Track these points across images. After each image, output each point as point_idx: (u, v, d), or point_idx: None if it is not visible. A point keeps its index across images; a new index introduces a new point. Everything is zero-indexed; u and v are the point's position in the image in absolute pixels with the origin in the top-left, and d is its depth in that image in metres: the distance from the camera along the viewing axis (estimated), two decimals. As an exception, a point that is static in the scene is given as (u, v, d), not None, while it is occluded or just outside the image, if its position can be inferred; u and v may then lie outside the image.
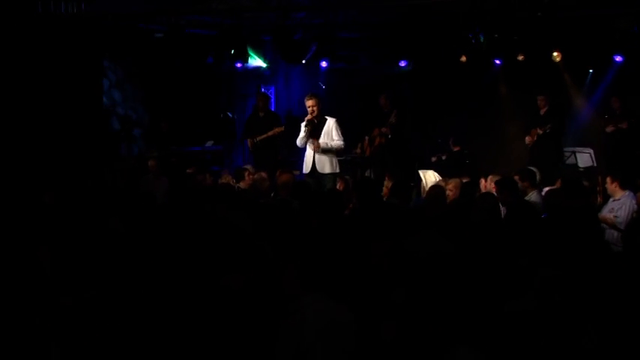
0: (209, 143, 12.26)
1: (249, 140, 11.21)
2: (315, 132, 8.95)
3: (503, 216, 6.40)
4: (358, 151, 11.84)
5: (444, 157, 12.09)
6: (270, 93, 14.00)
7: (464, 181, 8.15)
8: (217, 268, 4.01)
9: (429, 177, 9.82)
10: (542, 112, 10.84)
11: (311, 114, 8.91)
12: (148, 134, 12.27)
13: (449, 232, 5.16)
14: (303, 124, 9.01)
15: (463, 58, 12.07)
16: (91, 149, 10.95)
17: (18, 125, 10.11)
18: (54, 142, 10.43)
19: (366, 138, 11.52)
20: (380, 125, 11.40)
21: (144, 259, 4.42)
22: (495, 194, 7.05)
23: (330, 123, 8.97)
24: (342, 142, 8.97)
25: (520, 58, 11.75)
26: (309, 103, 8.95)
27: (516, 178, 7.72)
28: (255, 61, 12.97)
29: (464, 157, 11.90)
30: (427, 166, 11.33)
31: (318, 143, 8.76)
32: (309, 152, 8.97)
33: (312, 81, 13.51)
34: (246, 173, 9.03)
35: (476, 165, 11.37)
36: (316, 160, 8.86)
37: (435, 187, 7.93)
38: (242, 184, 8.89)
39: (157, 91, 12.48)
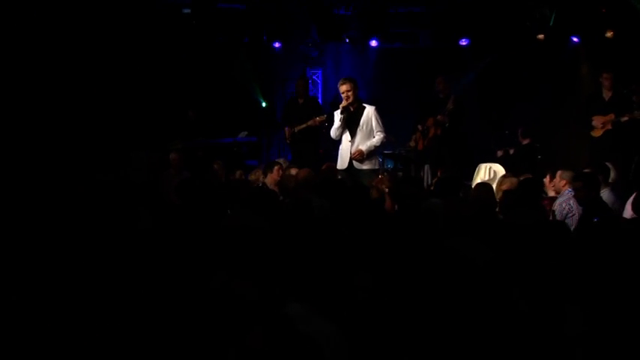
0: (242, 134, 11.84)
1: (286, 130, 10.78)
2: (351, 121, 8.63)
3: (578, 217, 6.46)
4: (412, 143, 11.19)
5: (511, 152, 11.45)
6: (318, 77, 13.62)
7: (521, 178, 7.55)
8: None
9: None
10: (607, 96, 9.79)
11: (346, 100, 8.57)
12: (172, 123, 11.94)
13: (489, 237, 4.87)
14: (337, 113, 8.71)
15: (540, 36, 11.48)
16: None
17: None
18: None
19: (419, 128, 10.83)
20: (435, 114, 10.69)
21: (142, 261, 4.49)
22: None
23: (370, 112, 8.65)
24: (383, 135, 8.65)
25: (609, 34, 11.07)
26: (343, 88, 8.61)
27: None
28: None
29: (535, 151, 11.18)
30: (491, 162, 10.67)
31: (361, 150, 8.48)
32: (344, 145, 8.71)
33: (364, 63, 13.14)
34: (277, 168, 8.76)
35: (549, 160, 10.59)
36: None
37: (482, 185, 7.40)
38: (269, 180, 8.63)
39: (185, 75, 12.20)
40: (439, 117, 10.59)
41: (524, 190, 6.62)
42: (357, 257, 4.32)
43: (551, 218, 6.64)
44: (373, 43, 12.08)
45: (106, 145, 10.56)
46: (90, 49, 10.70)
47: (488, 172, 9.32)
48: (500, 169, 9.49)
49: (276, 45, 12.21)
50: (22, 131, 9.98)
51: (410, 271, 4.09)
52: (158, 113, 11.56)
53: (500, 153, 11.56)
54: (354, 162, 8.54)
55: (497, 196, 6.83)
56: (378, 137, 8.55)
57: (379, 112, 8.66)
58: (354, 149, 8.52)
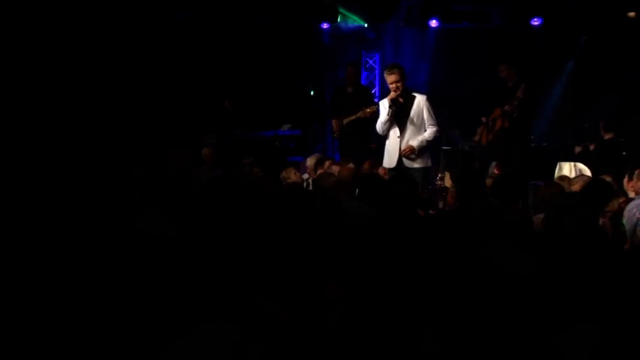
0: (285, 127, 11.53)
1: (334, 123, 10.38)
2: (400, 114, 8.22)
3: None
4: (477, 138, 10.61)
5: (591, 148, 10.83)
6: (375, 62, 13.27)
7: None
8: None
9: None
10: None
11: (394, 91, 8.16)
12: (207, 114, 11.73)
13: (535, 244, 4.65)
14: (382, 103, 8.36)
15: (631, 14, 11.14)
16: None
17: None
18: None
19: (484, 120, 10.23)
20: (503, 104, 10.07)
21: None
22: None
23: (421, 102, 8.24)
24: (436, 129, 8.31)
25: None
26: (390, 78, 8.20)
27: None
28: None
29: (619, 147, 10.43)
30: (568, 159, 10.35)
31: (412, 147, 8.15)
32: (392, 141, 8.33)
33: (427, 46, 12.83)
34: (328, 163, 8.52)
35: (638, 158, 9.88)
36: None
37: (551, 186, 6.86)
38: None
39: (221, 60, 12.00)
40: (506, 107, 9.97)
41: (585, 193, 6.11)
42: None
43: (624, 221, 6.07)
44: (433, 23, 11.58)
45: (135, 141, 10.46)
46: (119, 36, 10.73)
47: (573, 170, 8.89)
48: (585, 169, 9.13)
49: (325, 26, 11.81)
50: (53, 129, 9.99)
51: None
52: (190, 103, 11.45)
53: (578, 149, 11.06)
54: (404, 160, 8.16)
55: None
56: (430, 131, 8.17)
57: (431, 101, 8.26)
58: (403, 145, 8.15)
